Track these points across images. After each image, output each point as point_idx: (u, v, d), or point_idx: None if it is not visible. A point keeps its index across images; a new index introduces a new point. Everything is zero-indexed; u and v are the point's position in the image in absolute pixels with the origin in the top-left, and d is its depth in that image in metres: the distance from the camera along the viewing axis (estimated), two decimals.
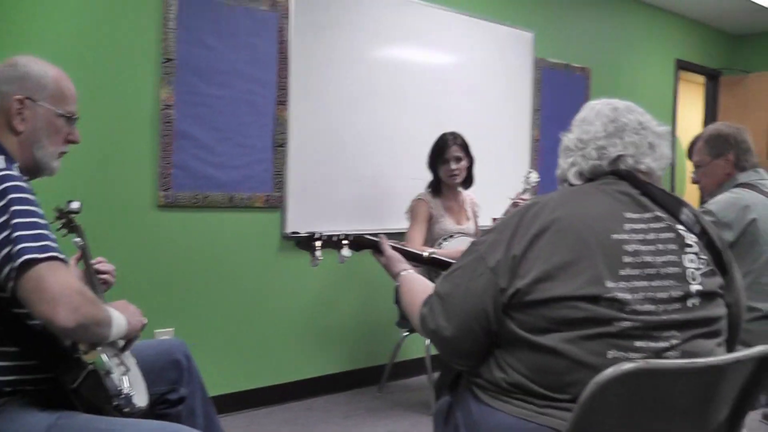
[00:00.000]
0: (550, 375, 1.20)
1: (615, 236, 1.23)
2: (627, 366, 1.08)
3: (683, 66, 5.87)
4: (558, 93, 4.65)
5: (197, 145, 3.02)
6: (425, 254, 1.86)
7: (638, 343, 1.19)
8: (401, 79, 3.73)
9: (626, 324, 1.19)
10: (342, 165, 3.49)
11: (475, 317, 1.27)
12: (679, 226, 1.30)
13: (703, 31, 6.08)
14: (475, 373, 1.33)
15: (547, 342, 1.20)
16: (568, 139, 1.42)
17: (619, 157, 1.34)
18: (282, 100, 3.27)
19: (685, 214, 1.32)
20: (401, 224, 3.41)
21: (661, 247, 1.25)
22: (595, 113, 1.40)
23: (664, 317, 1.21)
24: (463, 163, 3.28)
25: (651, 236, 1.25)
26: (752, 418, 3.33)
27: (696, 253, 1.28)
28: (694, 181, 2.57)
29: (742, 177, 2.39)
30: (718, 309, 1.30)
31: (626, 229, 1.25)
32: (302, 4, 3.31)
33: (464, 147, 3.29)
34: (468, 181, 3.37)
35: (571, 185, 1.38)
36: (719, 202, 2.30)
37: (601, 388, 1.08)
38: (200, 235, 3.10)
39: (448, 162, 3.25)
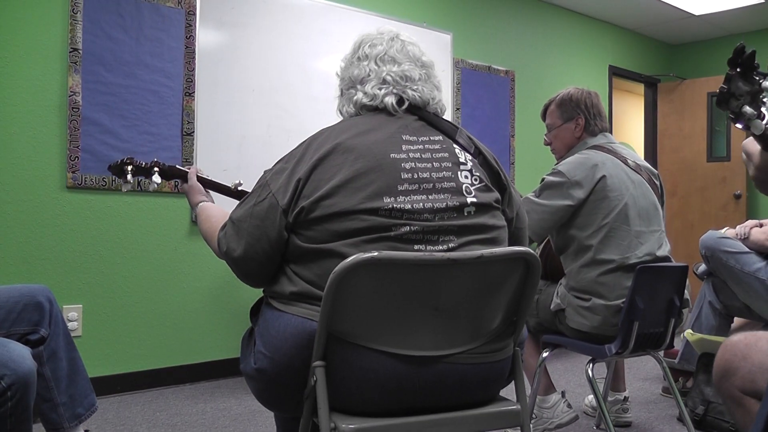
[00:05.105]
0: None
1: (393, 155, 1.35)
2: (364, 256, 1.18)
3: (617, 72, 6.07)
4: (480, 93, 4.84)
5: (104, 130, 3.19)
6: (232, 186, 1.96)
7: (417, 246, 1.29)
8: (308, 76, 3.87)
9: (405, 229, 1.29)
10: (249, 154, 3.65)
11: (258, 239, 1.37)
12: (455, 147, 1.42)
13: (638, 39, 6.30)
14: (270, 289, 1.44)
15: (332, 247, 1.29)
16: (342, 78, 1.55)
17: (388, 92, 1.44)
18: (189, 92, 3.46)
19: (461, 137, 1.45)
20: None
21: (436, 164, 1.37)
22: (363, 54, 1.51)
23: (441, 223, 1.32)
24: None
25: (427, 155, 1.37)
26: (652, 391, 3.39)
27: (470, 170, 1.41)
28: (546, 143, 2.58)
29: (592, 141, 2.43)
30: (495, 219, 1.41)
31: (404, 149, 1.36)
32: (208, 2, 3.51)
33: None
34: None
35: (352, 116, 1.50)
36: (569, 162, 2.33)
37: (339, 278, 1.19)
38: (110, 217, 3.26)
39: None
